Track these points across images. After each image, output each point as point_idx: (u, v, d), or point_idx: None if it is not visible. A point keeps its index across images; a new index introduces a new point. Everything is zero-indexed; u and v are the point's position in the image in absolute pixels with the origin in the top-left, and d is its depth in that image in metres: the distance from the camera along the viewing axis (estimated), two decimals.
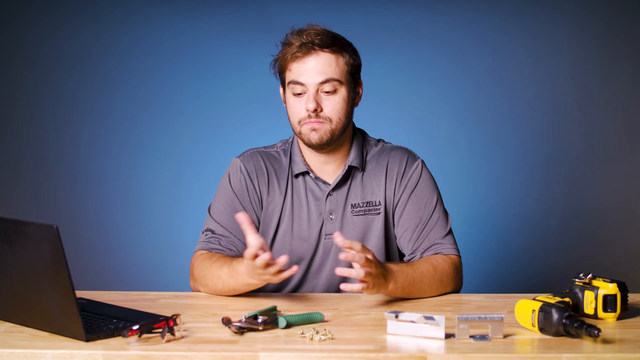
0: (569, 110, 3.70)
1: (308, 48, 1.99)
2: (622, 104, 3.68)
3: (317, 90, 2.00)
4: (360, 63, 2.09)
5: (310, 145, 2.05)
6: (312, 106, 1.99)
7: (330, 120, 2.02)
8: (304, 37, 2.00)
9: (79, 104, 3.71)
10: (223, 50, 3.69)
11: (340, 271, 1.77)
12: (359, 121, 2.18)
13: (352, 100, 2.07)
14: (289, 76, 2.03)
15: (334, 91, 2.01)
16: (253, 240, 1.75)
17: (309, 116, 2.01)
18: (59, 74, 3.69)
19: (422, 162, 2.15)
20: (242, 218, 1.78)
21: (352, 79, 2.06)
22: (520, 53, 3.70)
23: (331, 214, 2.10)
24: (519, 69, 3.70)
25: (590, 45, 3.66)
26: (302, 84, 2.00)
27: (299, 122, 2.03)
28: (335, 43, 2.01)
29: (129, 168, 3.73)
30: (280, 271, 1.76)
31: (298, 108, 2.03)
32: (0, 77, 3.68)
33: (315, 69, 1.99)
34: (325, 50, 2.00)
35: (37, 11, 3.66)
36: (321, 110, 2.01)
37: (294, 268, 1.76)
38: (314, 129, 2.01)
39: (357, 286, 1.79)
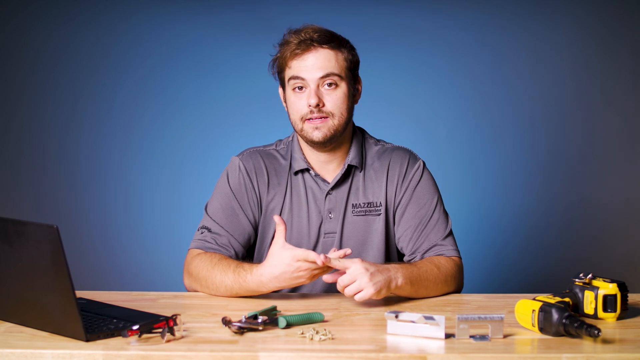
0: (569, 110, 3.70)
1: (307, 44, 2.00)
2: (622, 104, 3.68)
3: (318, 86, 2.00)
4: (358, 60, 2.09)
5: (312, 143, 2.05)
6: (314, 101, 1.99)
7: (333, 114, 2.01)
8: (302, 34, 2.01)
9: (79, 104, 3.71)
10: (223, 50, 3.69)
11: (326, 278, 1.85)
12: (359, 121, 2.18)
13: (352, 96, 2.07)
14: (289, 73, 2.03)
15: (335, 86, 2.01)
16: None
17: (311, 111, 2.00)
18: (59, 74, 3.69)
19: (423, 163, 2.16)
20: (279, 220, 1.84)
21: (352, 75, 2.06)
22: (520, 53, 3.70)
23: (330, 212, 2.10)
24: (519, 69, 3.70)
25: (590, 45, 3.66)
26: (302, 79, 2.00)
27: (301, 118, 2.02)
28: (333, 39, 2.02)
29: (129, 168, 3.73)
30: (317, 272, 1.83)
31: (299, 104, 2.02)
32: (0, 77, 3.68)
33: (315, 64, 2.00)
34: (324, 46, 2.00)
35: (37, 11, 3.65)
36: (323, 105, 2.00)
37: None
38: (316, 128, 2.01)
39: (364, 294, 1.80)
